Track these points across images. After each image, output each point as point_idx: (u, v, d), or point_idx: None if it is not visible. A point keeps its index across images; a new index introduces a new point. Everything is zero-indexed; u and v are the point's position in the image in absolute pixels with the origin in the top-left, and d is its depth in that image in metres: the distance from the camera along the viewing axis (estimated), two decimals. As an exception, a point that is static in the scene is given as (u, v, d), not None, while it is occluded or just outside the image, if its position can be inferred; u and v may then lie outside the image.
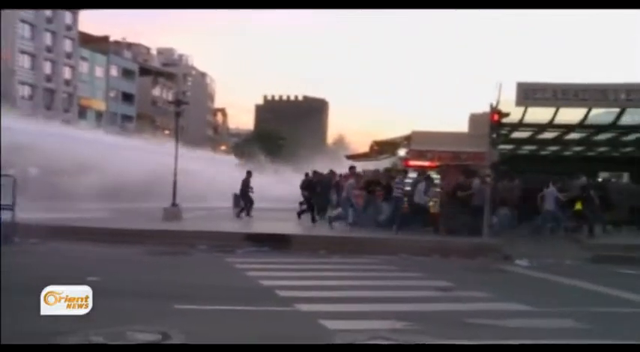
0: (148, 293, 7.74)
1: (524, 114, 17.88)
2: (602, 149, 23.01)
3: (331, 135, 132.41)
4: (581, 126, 18.94)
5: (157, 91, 79.44)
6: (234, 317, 7.34)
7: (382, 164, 23.51)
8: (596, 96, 16.76)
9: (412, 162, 19.25)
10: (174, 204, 19.19)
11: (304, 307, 7.88)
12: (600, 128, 19.71)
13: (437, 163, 18.72)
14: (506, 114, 15.79)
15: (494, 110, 15.34)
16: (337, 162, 37.99)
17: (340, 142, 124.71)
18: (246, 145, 74.34)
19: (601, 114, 20.04)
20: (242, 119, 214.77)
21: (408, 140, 19.23)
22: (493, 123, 15.34)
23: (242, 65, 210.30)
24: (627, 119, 18.97)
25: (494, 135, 15.61)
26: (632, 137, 20.68)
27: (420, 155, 18.82)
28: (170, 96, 74.16)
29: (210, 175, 30.06)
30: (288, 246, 14.73)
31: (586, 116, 18.29)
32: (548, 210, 16.95)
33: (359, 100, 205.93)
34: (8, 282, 7.76)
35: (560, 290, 10.60)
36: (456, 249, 14.59)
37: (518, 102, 16.94)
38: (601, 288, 10.33)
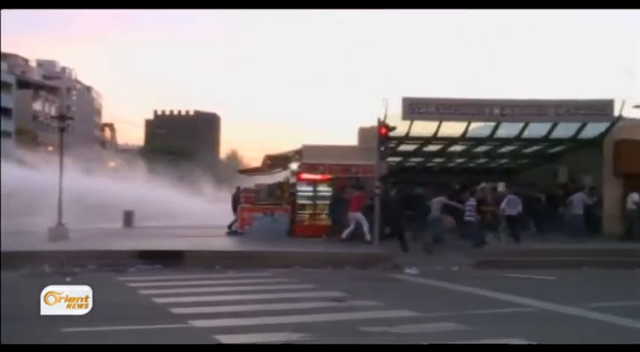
0: (32, 318, 7.39)
1: (410, 128, 18.73)
2: (481, 160, 24.43)
3: (224, 150, 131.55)
4: (462, 138, 20.06)
5: (38, 105, 75.58)
6: (127, 337, 7.18)
7: (275, 178, 23.73)
8: (474, 110, 17.90)
9: (304, 176, 19.62)
10: (60, 223, 18.36)
11: (199, 323, 7.85)
12: (478, 140, 20.96)
13: (328, 176, 19.20)
14: (393, 128, 16.49)
15: (382, 124, 15.98)
16: (230, 176, 37.82)
17: (233, 156, 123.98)
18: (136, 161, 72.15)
19: (481, 128, 21.34)
20: (132, 134, 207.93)
21: (299, 154, 19.57)
22: (381, 137, 15.94)
23: (130, 79, 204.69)
24: (502, 132, 20.35)
25: (383, 148, 16.21)
26: (506, 149, 22.15)
27: (312, 168, 19.24)
28: (53, 111, 70.78)
29: (98, 192, 28.96)
30: (181, 263, 14.52)
31: (466, 129, 19.43)
32: (577, 214, 18.42)
33: (250, 115, 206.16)
34: None
35: (445, 295, 11.17)
36: (349, 260, 14.96)
37: (404, 116, 17.78)
38: (483, 291, 11.03)
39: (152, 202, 28.36)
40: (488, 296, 10.64)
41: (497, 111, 17.91)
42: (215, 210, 26.15)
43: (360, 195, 17.93)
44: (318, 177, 19.36)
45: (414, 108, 17.47)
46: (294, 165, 20.68)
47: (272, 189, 21.81)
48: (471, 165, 25.11)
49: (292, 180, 21.09)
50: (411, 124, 18.49)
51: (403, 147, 21.85)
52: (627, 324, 8.28)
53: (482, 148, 22.09)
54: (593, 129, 19.59)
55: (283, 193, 20.87)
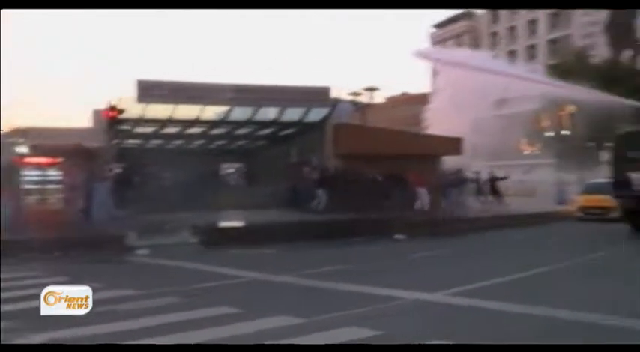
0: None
1: (145, 111, 18.75)
2: (221, 142, 25.30)
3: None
4: (197, 121, 20.62)
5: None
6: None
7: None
8: (208, 94, 18.52)
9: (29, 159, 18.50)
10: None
11: None
12: (214, 123, 21.73)
13: (58, 159, 18.36)
14: (122, 111, 16.39)
15: (111, 106, 15.81)
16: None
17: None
18: None
19: (226, 111, 22.02)
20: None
21: (24, 135, 18.46)
22: (110, 119, 15.77)
23: None
24: (238, 115, 21.35)
25: (112, 130, 16.05)
26: (243, 131, 23.27)
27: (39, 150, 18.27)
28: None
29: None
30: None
31: (202, 112, 20.01)
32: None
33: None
34: None
35: (171, 272, 11.60)
36: (79, 244, 14.57)
37: (140, 99, 17.74)
38: (206, 267, 11.70)
39: None
40: (210, 270, 11.32)
41: (229, 95, 18.72)
42: None
43: (419, 173, 20.45)
44: (46, 160, 18.36)
45: (148, 91, 17.51)
46: (21, 148, 19.36)
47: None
48: (211, 146, 25.85)
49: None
50: (146, 107, 18.50)
51: (141, 130, 21.77)
52: (311, 284, 9.65)
53: (219, 131, 22.90)
54: (318, 114, 21.49)
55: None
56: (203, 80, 19.16)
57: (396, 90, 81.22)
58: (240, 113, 20.95)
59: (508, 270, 10.54)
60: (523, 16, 73.67)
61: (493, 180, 26.03)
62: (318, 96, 19.58)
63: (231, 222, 18.16)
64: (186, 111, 19.83)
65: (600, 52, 56.61)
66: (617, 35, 62.56)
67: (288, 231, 16.40)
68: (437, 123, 27.60)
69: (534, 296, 8.43)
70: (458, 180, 23.62)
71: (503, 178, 26.45)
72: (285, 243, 15.27)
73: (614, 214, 18.76)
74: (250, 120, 21.18)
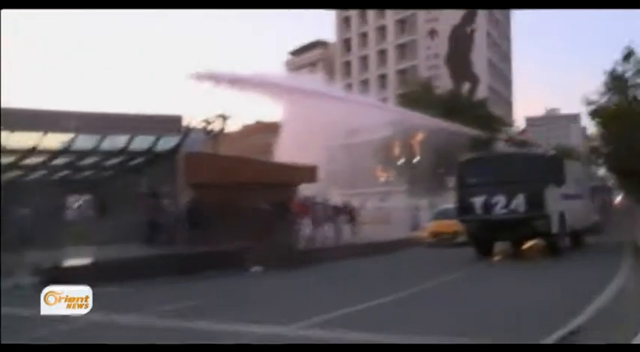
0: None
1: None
2: (64, 173, 23.59)
3: None
4: (36, 151, 19.10)
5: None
6: None
7: None
8: (48, 122, 17.21)
9: None
10: None
11: None
12: (54, 153, 20.23)
13: None
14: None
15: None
16: None
17: None
18: None
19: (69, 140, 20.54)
20: None
21: None
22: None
23: None
24: (83, 144, 20.01)
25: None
26: (89, 161, 21.87)
27: None
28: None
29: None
30: None
31: (41, 141, 18.54)
32: None
33: None
34: None
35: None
36: None
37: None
38: (42, 311, 10.57)
39: None
40: (48, 315, 10.21)
41: (72, 123, 17.57)
42: None
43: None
44: None
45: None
46: None
47: None
48: (54, 177, 24.05)
49: None
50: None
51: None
52: (158, 323, 9.07)
53: (63, 160, 21.39)
54: (170, 142, 20.71)
55: None
56: (44, 107, 17.83)
57: (250, 119, 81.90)
58: (85, 142, 19.66)
59: (364, 298, 10.49)
60: (373, 46, 77.54)
61: (350, 209, 26.59)
62: (168, 124, 18.96)
63: (76, 260, 16.94)
64: (23, 139, 18.30)
65: (443, 83, 60.75)
66: (457, 68, 67.80)
67: (139, 267, 15.49)
68: (290, 151, 27.77)
69: (389, 323, 8.42)
70: (319, 208, 23.76)
71: (352, 209, 26.98)
72: (135, 280, 14.38)
73: (462, 238, 19.55)
74: (96, 149, 19.94)
